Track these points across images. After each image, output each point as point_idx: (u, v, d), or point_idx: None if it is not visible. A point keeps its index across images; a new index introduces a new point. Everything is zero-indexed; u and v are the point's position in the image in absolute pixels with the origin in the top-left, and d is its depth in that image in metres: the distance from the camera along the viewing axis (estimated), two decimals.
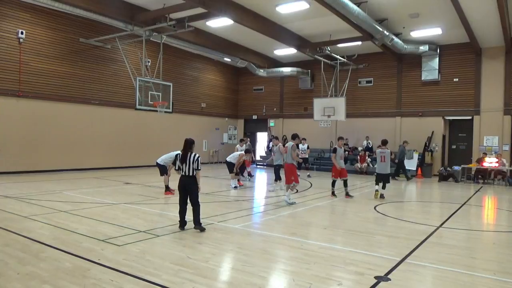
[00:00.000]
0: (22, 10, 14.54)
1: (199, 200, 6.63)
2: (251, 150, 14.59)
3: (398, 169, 17.05)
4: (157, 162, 10.51)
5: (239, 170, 13.28)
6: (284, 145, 11.53)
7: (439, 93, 18.78)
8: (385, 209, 9.20)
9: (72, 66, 16.17)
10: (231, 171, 12.69)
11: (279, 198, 10.45)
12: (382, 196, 10.73)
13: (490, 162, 15.78)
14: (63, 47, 15.85)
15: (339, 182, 11.06)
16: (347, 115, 19.29)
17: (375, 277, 4.45)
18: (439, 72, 18.55)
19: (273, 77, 23.25)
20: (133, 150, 18.61)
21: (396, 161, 16.77)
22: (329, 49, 18.36)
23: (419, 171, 17.93)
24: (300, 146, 16.42)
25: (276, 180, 12.15)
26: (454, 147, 19.58)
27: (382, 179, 10.81)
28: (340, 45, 18.47)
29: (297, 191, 9.74)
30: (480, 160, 16.25)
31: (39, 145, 15.14)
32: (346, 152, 16.87)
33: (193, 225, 6.48)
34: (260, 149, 25.10)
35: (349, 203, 10.05)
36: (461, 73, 18.30)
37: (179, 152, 6.79)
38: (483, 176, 16.17)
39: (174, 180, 7.05)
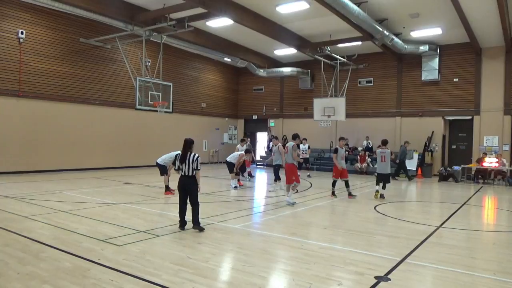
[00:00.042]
0: (22, 10, 14.54)
1: (199, 200, 6.64)
2: (251, 150, 14.59)
3: (399, 169, 17.05)
4: (157, 162, 10.51)
5: (240, 170, 13.28)
6: (284, 145, 11.53)
7: (439, 93, 18.79)
8: (385, 209, 9.20)
9: (72, 66, 16.17)
10: (231, 171, 12.69)
11: (279, 198, 10.46)
12: (382, 196, 10.73)
13: (490, 162, 15.78)
14: (63, 47, 15.85)
15: (340, 183, 11.05)
16: (347, 115, 19.29)
17: (375, 277, 4.45)
18: (439, 72, 18.55)
19: (273, 77, 23.25)
20: (133, 150, 18.61)
21: (397, 161, 16.77)
22: (329, 49, 18.37)
23: (419, 171, 17.94)
24: (301, 146, 16.42)
25: (276, 180, 12.15)
26: (454, 147, 19.58)
27: (383, 179, 10.82)
28: (340, 45, 18.47)
29: (297, 191, 9.74)
30: (480, 160, 16.24)
31: (39, 145, 15.14)
32: (346, 152, 16.87)
33: (192, 225, 6.48)
34: (260, 149, 25.10)
35: (349, 203, 10.05)
36: (461, 73, 18.30)
37: (179, 152, 6.79)
38: (483, 176, 16.17)
39: (174, 180, 7.05)
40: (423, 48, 17.97)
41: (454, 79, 18.46)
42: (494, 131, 17.52)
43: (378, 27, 14.39)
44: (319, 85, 21.13)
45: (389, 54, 18.74)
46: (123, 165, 18.09)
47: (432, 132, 18.78)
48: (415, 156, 18.11)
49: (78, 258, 4.87)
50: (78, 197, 9.64)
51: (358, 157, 19.22)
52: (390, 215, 8.49)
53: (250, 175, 15.10)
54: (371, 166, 18.81)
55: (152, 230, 6.46)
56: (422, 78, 18.97)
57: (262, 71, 22.21)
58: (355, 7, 12.52)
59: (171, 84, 16.01)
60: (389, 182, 11.09)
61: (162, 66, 16.20)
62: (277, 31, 16.55)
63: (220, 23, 15.77)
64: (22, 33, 14.41)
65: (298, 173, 10.52)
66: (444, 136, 19.39)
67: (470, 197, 12.00)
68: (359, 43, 17.72)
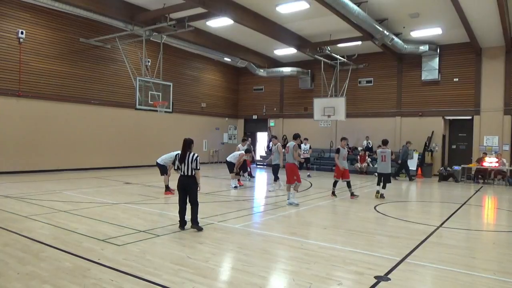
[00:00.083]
0: (22, 10, 14.54)
1: (199, 200, 6.65)
2: (251, 150, 14.56)
3: (401, 169, 17.07)
4: (157, 162, 10.52)
5: (241, 169, 13.26)
6: (285, 145, 11.52)
7: (439, 93, 18.78)
8: (385, 209, 9.20)
9: (72, 66, 16.17)
10: (231, 171, 12.69)
11: (278, 198, 10.46)
12: (382, 196, 10.74)
13: (490, 162, 15.78)
14: (63, 47, 15.85)
15: (341, 183, 11.03)
16: (347, 115, 19.29)
17: (375, 277, 4.45)
18: (439, 72, 18.55)
19: (273, 77, 23.25)
20: (133, 150, 18.61)
21: (399, 161, 16.77)
22: (329, 49, 18.37)
23: (419, 171, 17.94)
24: (303, 146, 16.41)
25: (275, 180, 12.15)
26: (454, 147, 19.58)
27: (383, 179, 10.83)
28: (340, 45, 18.47)
29: (297, 191, 9.74)
30: (480, 160, 16.24)
31: (39, 145, 15.14)
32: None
33: (191, 225, 6.50)
34: (260, 149, 25.09)
35: (349, 203, 10.05)
36: (461, 73, 18.30)
37: (179, 152, 6.80)
38: (483, 176, 16.17)
39: (174, 180, 7.05)
40: (423, 48, 17.96)
41: (454, 79, 18.46)
42: (494, 131, 17.52)
43: (378, 27, 14.39)
44: (319, 85, 21.13)
45: (389, 54, 18.74)
46: (123, 165, 18.09)
47: (432, 132, 18.78)
48: (415, 156, 18.11)
49: (78, 258, 4.87)
50: (78, 197, 9.64)
51: (358, 157, 19.22)
52: (390, 215, 8.49)
53: (250, 175, 15.08)
54: (371, 166, 18.81)
55: (152, 230, 6.46)
56: (422, 78, 18.96)
57: (262, 71, 22.21)
58: (355, 7, 12.52)
59: (171, 84, 16.01)
60: (390, 182, 11.10)
61: (162, 66, 16.19)
62: (277, 31, 16.55)
63: (220, 23, 15.77)
64: (22, 33, 14.40)
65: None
66: (444, 136, 19.39)
67: (470, 197, 12.00)
68: (359, 43, 17.72)
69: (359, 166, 18.91)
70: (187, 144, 6.65)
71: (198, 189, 6.63)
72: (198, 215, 6.56)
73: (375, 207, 9.36)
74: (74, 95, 16.25)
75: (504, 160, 15.86)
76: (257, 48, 20.73)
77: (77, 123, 16.35)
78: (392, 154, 11.19)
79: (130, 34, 15.83)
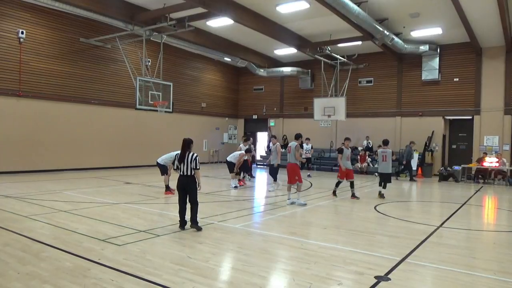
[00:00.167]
0: (22, 10, 14.54)
1: (199, 199, 6.65)
2: (251, 150, 14.53)
3: (404, 170, 17.06)
4: (157, 162, 10.52)
5: (242, 169, 13.23)
6: (286, 145, 11.51)
7: (439, 93, 18.78)
8: (385, 208, 9.20)
9: (72, 66, 16.17)
10: (231, 171, 12.68)
11: (278, 198, 10.46)
12: (382, 196, 10.74)
13: (491, 162, 15.78)
14: (63, 47, 15.85)
15: (344, 183, 11.00)
16: (347, 115, 19.29)
17: (375, 277, 4.45)
18: (439, 72, 18.54)
19: (273, 77, 23.25)
20: (133, 150, 18.61)
21: (404, 162, 16.74)
22: (329, 49, 18.37)
23: (419, 171, 17.93)
24: (304, 146, 16.42)
25: (275, 180, 12.15)
26: (454, 147, 19.58)
27: (384, 178, 10.83)
28: (340, 45, 18.46)
29: (296, 190, 9.73)
30: (480, 160, 16.24)
31: (39, 145, 15.13)
32: None
33: (190, 224, 6.51)
34: (260, 149, 25.09)
35: (349, 203, 10.05)
36: (461, 73, 18.29)
37: (179, 152, 6.80)
38: (484, 176, 16.17)
39: (174, 180, 7.05)
40: (423, 48, 17.96)
41: (454, 79, 18.45)
42: (494, 131, 17.52)
43: (378, 27, 14.39)
44: (319, 85, 21.13)
45: (389, 54, 18.74)
46: (123, 165, 18.10)
47: (432, 132, 18.78)
48: (416, 156, 18.11)
49: (79, 258, 4.87)
50: (78, 197, 9.64)
51: (358, 157, 19.22)
52: (390, 214, 8.49)
53: (250, 175, 15.07)
54: (371, 166, 18.82)
55: (152, 229, 6.46)
56: (422, 78, 18.96)
57: (262, 70, 22.21)
58: (355, 7, 12.52)
59: (171, 84, 16.01)
60: (390, 182, 11.10)
61: (162, 65, 16.20)
62: (277, 30, 16.55)
63: (220, 23, 15.77)
64: (22, 33, 14.41)
65: None
66: (444, 136, 19.39)
67: (470, 197, 12.00)
68: (359, 43, 17.72)
69: (359, 166, 18.90)
70: (187, 144, 6.66)
71: (199, 188, 6.64)
72: (198, 215, 6.57)
73: (375, 207, 9.36)
74: (74, 95, 16.25)
75: (504, 160, 15.86)
76: (257, 48, 20.73)
77: (77, 123, 16.35)
78: (393, 155, 11.19)
79: (130, 34, 15.83)
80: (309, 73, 22.24)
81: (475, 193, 13.01)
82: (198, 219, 6.57)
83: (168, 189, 10.43)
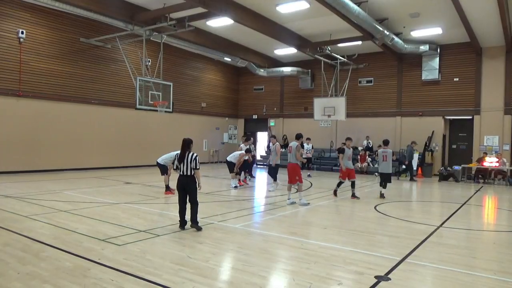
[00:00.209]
0: (22, 10, 14.53)
1: (198, 199, 6.65)
2: (251, 150, 14.52)
3: (407, 170, 17.06)
4: (157, 162, 10.52)
5: (243, 169, 13.22)
6: (286, 145, 11.51)
7: (439, 92, 18.78)
8: (385, 208, 9.20)
9: (72, 66, 16.17)
10: (231, 171, 12.68)
11: (278, 198, 10.45)
12: (383, 196, 10.74)
13: (491, 161, 15.78)
14: (64, 46, 15.85)
15: (343, 184, 11.00)
16: (347, 114, 19.30)
17: (375, 277, 4.45)
18: (439, 71, 18.54)
19: (273, 77, 23.25)
20: (133, 149, 18.61)
21: (406, 162, 16.73)
22: (329, 48, 18.37)
23: (420, 171, 17.93)
24: (305, 146, 16.41)
25: (275, 180, 12.14)
26: (454, 146, 19.58)
27: (384, 178, 10.83)
28: (340, 45, 18.46)
29: (297, 190, 9.73)
30: (480, 160, 16.24)
31: (39, 145, 15.14)
32: None
33: (190, 224, 6.51)
34: (261, 149, 25.09)
35: (349, 203, 10.05)
36: (461, 73, 18.29)
37: (179, 151, 6.80)
38: (484, 176, 16.16)
39: (174, 180, 7.05)
40: (423, 47, 17.96)
41: (455, 79, 18.45)
42: (494, 130, 17.52)
43: (378, 27, 14.39)
44: (319, 85, 21.13)
45: (389, 54, 18.74)
46: (123, 165, 18.10)
47: (433, 132, 18.78)
48: (416, 155, 18.11)
49: (79, 258, 4.87)
50: (78, 197, 9.64)
51: (358, 157, 19.22)
52: (390, 214, 8.49)
53: (250, 174, 15.06)
54: (371, 165, 18.82)
55: (152, 229, 6.46)
56: (422, 78, 18.96)
57: (262, 70, 22.22)
58: (355, 7, 12.52)
59: (171, 84, 16.02)
60: (390, 181, 11.09)
61: (162, 65, 16.20)
62: (277, 30, 16.55)
63: (220, 23, 15.77)
64: (22, 32, 14.41)
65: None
66: (444, 136, 19.39)
67: (471, 197, 12.00)
68: (359, 42, 17.72)
69: (359, 166, 18.90)
70: (186, 144, 6.66)
71: (199, 188, 6.64)
72: (198, 215, 6.57)
73: (375, 207, 9.36)
74: (74, 95, 16.25)
75: (505, 160, 15.86)
76: (257, 47, 20.73)
77: (77, 123, 16.35)
78: (393, 155, 11.18)
79: (130, 34, 15.83)
80: (309, 73, 22.24)
81: (475, 193, 13.01)
82: (198, 219, 6.57)
83: (168, 189, 10.43)
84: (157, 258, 4.95)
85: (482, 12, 13.47)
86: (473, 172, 16.45)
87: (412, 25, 16.03)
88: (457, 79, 18.38)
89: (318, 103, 19.87)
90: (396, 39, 16.00)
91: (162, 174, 10.45)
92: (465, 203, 10.58)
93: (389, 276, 4.51)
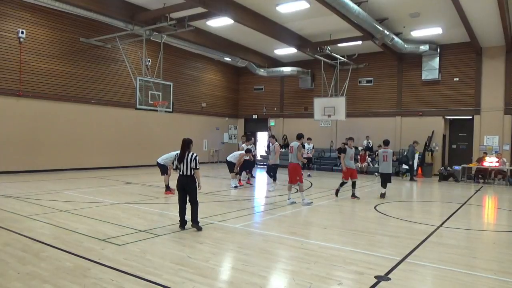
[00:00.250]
0: (22, 10, 14.54)
1: (198, 199, 6.65)
2: (251, 150, 14.51)
3: (408, 170, 17.06)
4: (157, 162, 10.52)
5: (243, 169, 13.22)
6: (286, 145, 11.51)
7: (439, 92, 18.78)
8: (385, 208, 9.20)
9: (72, 65, 16.17)
10: (231, 171, 12.68)
11: (278, 198, 10.46)
12: (383, 196, 10.74)
13: (491, 161, 15.77)
14: (64, 46, 15.85)
15: (344, 184, 11.00)
16: (347, 114, 19.30)
17: (375, 277, 4.45)
18: (439, 71, 18.54)
19: (273, 77, 23.25)
20: (133, 149, 18.61)
21: (410, 162, 16.70)
22: (329, 48, 18.37)
23: (420, 171, 17.93)
24: (306, 146, 16.41)
25: (274, 180, 12.13)
26: (454, 146, 19.58)
27: (384, 178, 10.83)
28: (340, 45, 18.46)
29: (297, 190, 9.74)
30: (480, 160, 16.24)
31: (39, 144, 15.14)
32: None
33: (191, 224, 6.51)
34: (261, 149, 25.07)
35: (349, 203, 10.05)
36: (461, 73, 18.29)
37: (179, 151, 6.80)
38: (484, 176, 16.16)
39: (174, 180, 7.06)
40: (423, 47, 17.96)
41: (455, 79, 18.45)
42: (494, 130, 17.52)
43: (378, 27, 14.39)
44: (319, 85, 21.13)
45: (389, 54, 18.73)
46: (123, 165, 18.10)
47: (433, 132, 18.78)
48: (416, 155, 18.11)
49: (79, 258, 4.87)
50: (79, 197, 9.64)
51: (359, 157, 19.21)
52: (390, 214, 8.49)
53: (250, 174, 15.03)
54: (371, 165, 18.82)
55: (152, 229, 6.46)
56: (423, 78, 18.96)
57: (263, 70, 22.22)
58: (355, 7, 12.52)
59: (171, 84, 16.02)
60: (390, 181, 11.10)
61: (162, 65, 16.19)
62: (277, 30, 16.55)
63: (220, 23, 15.77)
64: (22, 32, 14.41)
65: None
66: (444, 136, 19.39)
67: (471, 197, 12.00)
68: (359, 42, 17.72)
69: (359, 166, 18.90)
70: (186, 144, 6.66)
71: (199, 188, 6.64)
72: (198, 215, 6.57)
73: (375, 207, 9.36)
74: (75, 95, 16.25)
75: (505, 160, 15.86)
76: (257, 47, 20.73)
77: (77, 123, 16.35)
78: (393, 155, 11.19)
79: (130, 33, 15.84)
80: (309, 73, 22.24)
81: (475, 193, 13.01)
82: (198, 219, 6.57)
83: (168, 189, 10.43)
84: (157, 258, 4.95)
85: (482, 12, 13.47)
86: (473, 172, 16.45)
87: (412, 25, 16.03)
88: (457, 79, 18.38)
89: (318, 103, 19.87)
90: (396, 39, 16.00)
91: (162, 174, 10.46)
92: (465, 203, 10.58)
93: (389, 276, 4.51)
